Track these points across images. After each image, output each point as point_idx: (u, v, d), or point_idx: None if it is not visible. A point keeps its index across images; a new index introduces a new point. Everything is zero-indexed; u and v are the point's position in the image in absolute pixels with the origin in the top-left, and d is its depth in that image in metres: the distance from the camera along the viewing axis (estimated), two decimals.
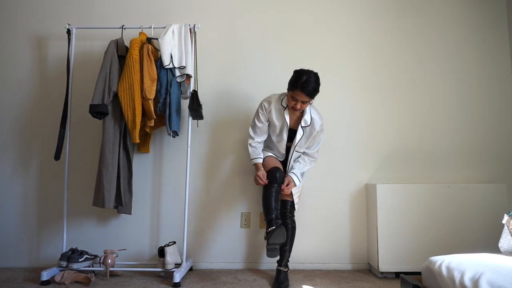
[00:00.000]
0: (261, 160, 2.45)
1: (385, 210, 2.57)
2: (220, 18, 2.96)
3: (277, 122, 2.43)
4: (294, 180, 2.41)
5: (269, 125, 2.49)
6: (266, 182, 2.31)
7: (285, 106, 2.41)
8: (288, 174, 2.44)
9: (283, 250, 2.40)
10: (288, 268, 2.40)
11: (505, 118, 2.93)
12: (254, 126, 2.49)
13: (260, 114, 2.45)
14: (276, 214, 2.24)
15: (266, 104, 2.45)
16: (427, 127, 2.90)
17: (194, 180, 2.80)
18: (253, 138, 2.48)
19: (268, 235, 2.16)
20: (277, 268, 2.39)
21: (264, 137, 2.51)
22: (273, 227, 2.16)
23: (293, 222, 2.45)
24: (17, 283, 2.34)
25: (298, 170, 2.45)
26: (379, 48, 2.95)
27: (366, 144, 2.88)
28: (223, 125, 2.88)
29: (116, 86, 2.44)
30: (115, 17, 2.93)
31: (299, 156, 2.52)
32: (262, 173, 2.34)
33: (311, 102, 2.36)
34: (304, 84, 2.24)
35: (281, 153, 2.52)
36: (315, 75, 2.31)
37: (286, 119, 2.41)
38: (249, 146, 2.49)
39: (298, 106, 2.31)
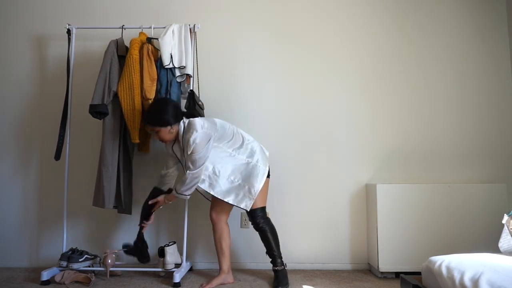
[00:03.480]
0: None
1: (385, 210, 2.57)
2: (220, 18, 2.96)
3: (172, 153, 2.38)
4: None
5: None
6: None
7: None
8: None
9: (271, 254, 2.34)
10: (284, 265, 2.34)
11: (505, 118, 2.93)
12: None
13: None
14: None
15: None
16: (427, 127, 2.90)
17: None
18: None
19: None
20: (273, 269, 2.36)
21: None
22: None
23: (268, 221, 2.37)
24: (17, 283, 2.34)
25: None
26: (379, 48, 2.95)
27: (366, 144, 2.88)
28: None
29: (116, 86, 2.44)
30: (115, 17, 2.93)
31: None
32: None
33: (169, 129, 2.22)
34: (145, 117, 2.25)
35: None
36: (157, 102, 2.24)
37: (169, 150, 2.38)
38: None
39: (156, 137, 2.26)
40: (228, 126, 2.34)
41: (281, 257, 2.35)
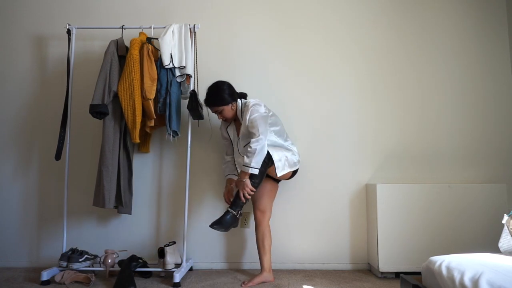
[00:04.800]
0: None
1: (385, 210, 2.57)
2: (220, 18, 2.96)
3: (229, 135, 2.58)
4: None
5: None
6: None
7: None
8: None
9: (238, 196, 2.30)
10: (239, 214, 2.28)
11: (505, 118, 2.93)
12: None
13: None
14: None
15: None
16: (427, 127, 2.90)
17: (194, 180, 2.80)
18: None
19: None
20: (228, 209, 2.28)
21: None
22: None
23: (266, 166, 2.31)
24: (17, 283, 2.34)
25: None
26: (379, 48, 2.95)
27: (366, 144, 2.88)
28: None
29: (116, 86, 2.44)
30: (115, 17, 2.93)
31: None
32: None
33: (231, 106, 2.43)
34: (206, 100, 2.44)
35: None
36: (212, 85, 2.43)
37: (224, 132, 2.61)
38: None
39: (220, 117, 2.47)
40: (279, 119, 2.54)
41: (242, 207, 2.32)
